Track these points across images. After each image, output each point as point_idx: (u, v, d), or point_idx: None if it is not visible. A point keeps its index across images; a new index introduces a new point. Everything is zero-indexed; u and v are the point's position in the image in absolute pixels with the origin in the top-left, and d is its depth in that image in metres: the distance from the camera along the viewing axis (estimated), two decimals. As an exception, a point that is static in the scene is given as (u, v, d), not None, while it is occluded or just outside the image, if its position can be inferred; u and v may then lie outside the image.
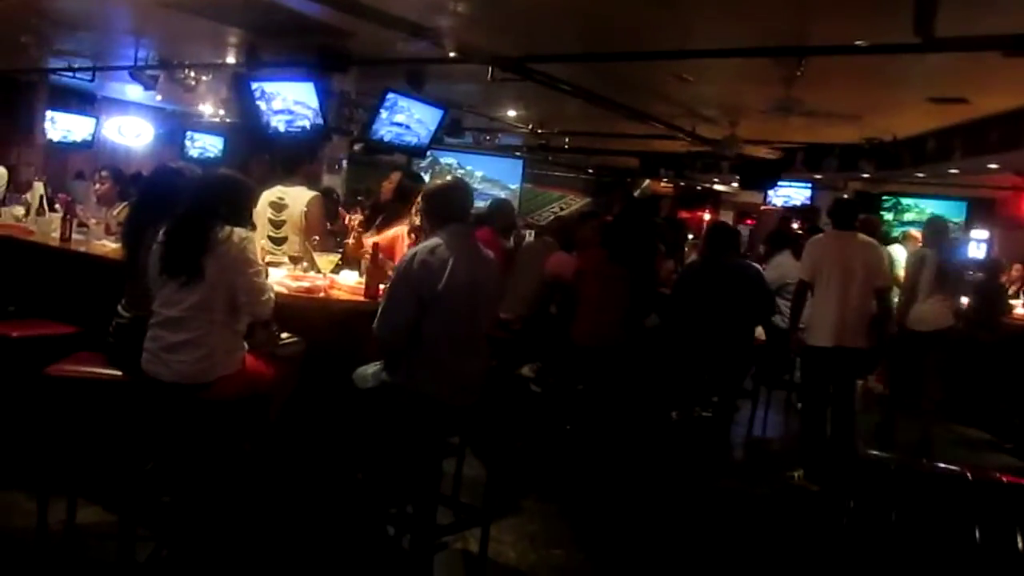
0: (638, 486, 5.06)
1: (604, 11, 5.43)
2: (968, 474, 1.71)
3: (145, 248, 3.32)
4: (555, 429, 5.46)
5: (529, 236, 9.77)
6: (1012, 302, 8.03)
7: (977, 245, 12.73)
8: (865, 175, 10.96)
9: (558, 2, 5.38)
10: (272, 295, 3.37)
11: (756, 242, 12.64)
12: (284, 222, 4.79)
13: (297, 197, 4.82)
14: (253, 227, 3.49)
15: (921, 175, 10.92)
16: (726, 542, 4.41)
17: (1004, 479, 1.75)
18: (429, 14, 5.83)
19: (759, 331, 6.41)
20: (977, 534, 1.56)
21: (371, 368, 3.43)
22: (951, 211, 13.07)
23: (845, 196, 8.76)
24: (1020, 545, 1.55)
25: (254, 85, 7.34)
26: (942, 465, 1.89)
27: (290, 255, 4.43)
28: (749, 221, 16.25)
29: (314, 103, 7.09)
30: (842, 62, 5.97)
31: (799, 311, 5.42)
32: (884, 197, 13.48)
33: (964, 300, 8.45)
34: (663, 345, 5.59)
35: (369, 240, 4.66)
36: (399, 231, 4.74)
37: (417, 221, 4.56)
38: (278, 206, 4.80)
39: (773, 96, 7.34)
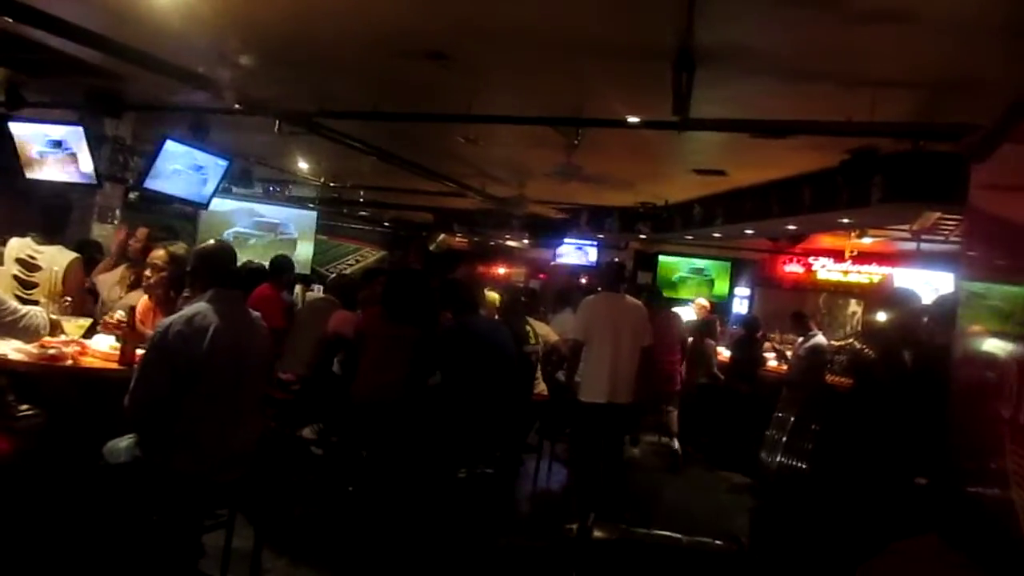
0: (420, 547, 5.02)
1: (393, 71, 5.50)
2: (682, 540, 1.85)
3: None
4: (337, 492, 5.32)
5: (318, 291, 9.57)
6: (765, 355, 8.82)
7: (740, 301, 14.00)
8: (643, 236, 11.75)
9: (346, 59, 5.40)
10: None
11: (546, 298, 13.11)
12: (36, 284, 4.39)
13: (53, 258, 4.44)
14: None
15: (691, 237, 11.85)
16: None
17: (716, 542, 1.91)
18: (210, 64, 5.64)
19: (542, 386, 6.63)
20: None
21: (124, 442, 3.20)
22: (719, 270, 14.30)
23: (615, 259, 9.32)
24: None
25: (13, 126, 6.75)
26: (662, 533, 2.04)
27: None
28: (542, 276, 16.86)
29: (83, 148, 6.63)
30: (616, 134, 6.37)
31: (575, 368, 5.67)
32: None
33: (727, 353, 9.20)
34: (443, 403, 5.61)
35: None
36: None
37: (152, 283, 4.21)
38: (29, 265, 4.40)
39: (556, 161, 7.74)
